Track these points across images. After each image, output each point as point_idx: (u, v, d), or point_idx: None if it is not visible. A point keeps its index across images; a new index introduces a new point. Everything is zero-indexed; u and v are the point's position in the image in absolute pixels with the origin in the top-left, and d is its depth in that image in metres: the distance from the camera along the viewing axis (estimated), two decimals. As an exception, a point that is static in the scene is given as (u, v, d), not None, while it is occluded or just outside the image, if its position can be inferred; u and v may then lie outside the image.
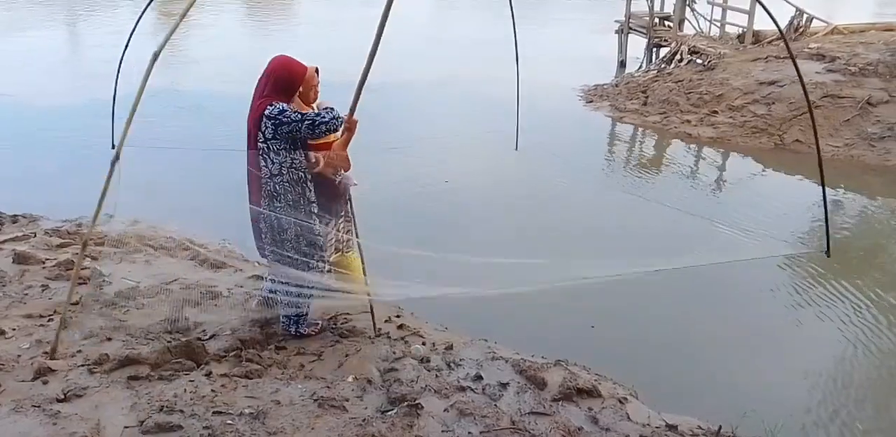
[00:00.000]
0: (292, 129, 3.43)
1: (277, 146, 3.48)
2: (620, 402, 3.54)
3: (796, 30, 11.83)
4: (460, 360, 3.91)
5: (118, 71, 4.78)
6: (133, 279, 4.64)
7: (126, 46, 4.69)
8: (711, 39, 12.50)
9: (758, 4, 11.39)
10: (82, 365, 3.45)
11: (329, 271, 4.38)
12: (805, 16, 11.87)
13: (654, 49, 13.59)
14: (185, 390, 3.19)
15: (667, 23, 13.73)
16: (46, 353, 3.51)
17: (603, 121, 10.56)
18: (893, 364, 4.65)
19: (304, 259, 3.74)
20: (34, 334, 3.80)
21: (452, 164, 8.51)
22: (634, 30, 13.99)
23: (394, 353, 3.87)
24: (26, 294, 4.39)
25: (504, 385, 3.61)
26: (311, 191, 3.70)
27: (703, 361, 4.63)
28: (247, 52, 14.26)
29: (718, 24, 12.77)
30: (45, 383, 3.26)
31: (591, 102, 11.34)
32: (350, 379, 3.54)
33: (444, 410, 3.29)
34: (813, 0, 15.46)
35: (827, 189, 7.92)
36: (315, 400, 3.23)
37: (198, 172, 7.80)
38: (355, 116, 3.63)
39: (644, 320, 5.14)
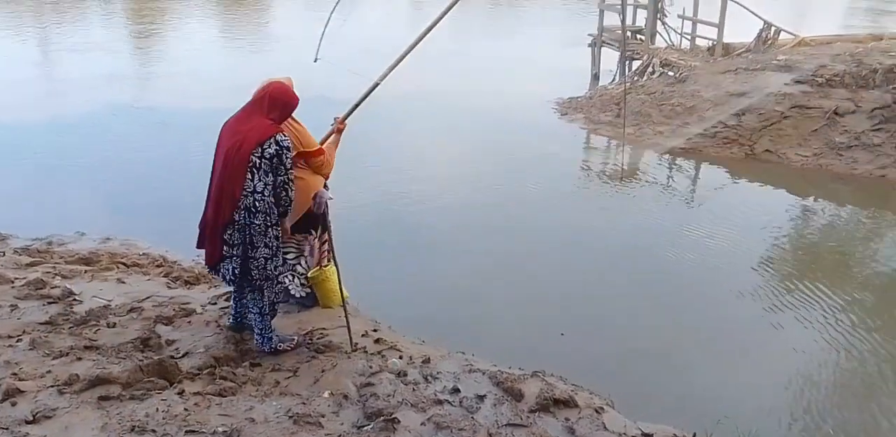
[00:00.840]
0: (277, 170, 3.56)
1: (269, 167, 3.54)
2: (597, 412, 3.54)
3: (765, 42, 12.09)
4: (437, 373, 3.89)
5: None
6: (104, 298, 4.57)
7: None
8: (682, 52, 12.73)
9: (727, 18, 11.66)
10: (52, 386, 3.38)
11: (304, 285, 4.38)
12: (773, 28, 12.14)
13: (627, 62, 13.78)
14: (158, 409, 3.14)
15: (639, 36, 13.95)
16: (15, 374, 3.44)
17: (578, 132, 10.68)
18: (864, 367, 4.73)
19: (268, 279, 3.73)
20: (3, 355, 3.72)
21: (427, 175, 8.53)
22: (607, 43, 14.20)
23: (370, 367, 3.84)
24: (-5, 314, 4.31)
25: (481, 398, 3.60)
26: (290, 210, 3.73)
27: (678, 366, 4.68)
28: (204, 67, 14.23)
29: (689, 38, 13.01)
30: (13, 404, 3.19)
31: (565, 114, 11.46)
32: (326, 395, 3.51)
33: (421, 424, 3.27)
34: (781, 13, 15.89)
35: (798, 198, 8.13)
36: (290, 417, 3.19)
37: (171, 187, 7.76)
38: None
39: (618, 327, 5.20)
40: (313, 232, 4.23)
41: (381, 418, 3.23)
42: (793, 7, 21.94)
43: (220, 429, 3.00)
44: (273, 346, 3.93)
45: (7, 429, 2.98)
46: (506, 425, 3.33)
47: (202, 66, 14.47)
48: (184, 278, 5.15)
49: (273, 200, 3.61)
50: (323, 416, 3.27)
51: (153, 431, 2.95)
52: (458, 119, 10.98)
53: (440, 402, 3.51)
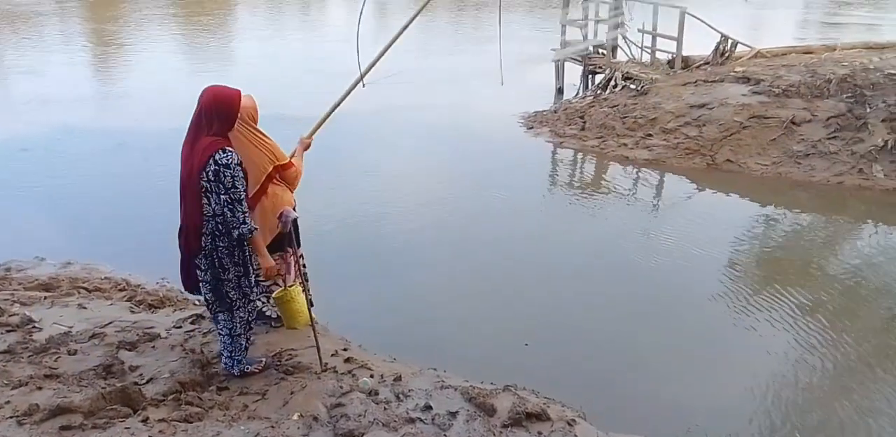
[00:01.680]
0: (217, 188, 3.39)
1: (217, 188, 3.41)
2: (569, 424, 3.55)
3: (722, 54, 12.39)
4: (409, 391, 3.86)
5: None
6: (65, 324, 4.46)
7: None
8: (643, 65, 12.97)
9: (685, 31, 11.94)
10: (11, 417, 3.28)
11: (271, 305, 4.33)
12: (730, 41, 12.45)
13: (590, 76, 14.00)
14: (121, 438, 3.06)
15: (601, 50, 14.20)
16: (-29, 406, 3.33)
17: (544, 146, 10.79)
18: (832, 369, 4.81)
19: (245, 298, 3.67)
20: (-42, 387, 3.60)
21: (391, 192, 8.53)
22: (570, 58, 14.42)
23: (341, 388, 3.80)
24: (-51, 344, 4.17)
25: (453, 414, 3.58)
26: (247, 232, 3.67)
27: (648, 375, 4.71)
28: (161, 86, 14.10)
29: (649, 51, 13.28)
30: (-32, 438, 3.09)
31: (531, 127, 11.57)
32: (295, 417, 3.46)
33: (393, 443, 3.24)
34: (737, 26, 16.31)
35: (758, 206, 8.28)
36: (258, 441, 3.14)
37: (132, 209, 7.64)
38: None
39: (588, 337, 5.22)
40: (289, 250, 4.19)
41: (352, 438, 3.19)
42: (748, 20, 22.57)
43: (186, 457, 2.94)
44: (241, 369, 3.86)
45: (-37, 464, 2.88)
46: (478, 441, 3.32)
47: (159, 85, 14.32)
48: (147, 302, 5.05)
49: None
50: (292, 439, 3.21)
51: (116, 461, 2.87)
52: (423, 134, 11.02)
53: (412, 420, 3.49)
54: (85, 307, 4.87)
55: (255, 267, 3.75)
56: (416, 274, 6.32)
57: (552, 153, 10.62)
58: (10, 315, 4.55)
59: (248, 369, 3.89)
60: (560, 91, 14.33)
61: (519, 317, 5.52)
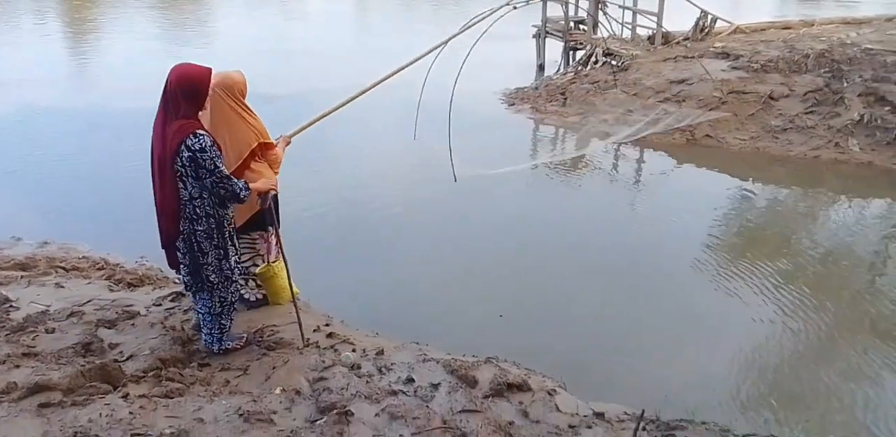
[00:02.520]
0: (199, 174, 3.33)
1: (194, 172, 3.35)
2: (549, 394, 3.59)
3: (702, 30, 12.38)
4: (391, 364, 3.88)
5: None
6: (42, 303, 4.41)
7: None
8: (624, 42, 12.94)
9: (665, 7, 11.89)
10: (-11, 395, 3.25)
11: (259, 286, 4.31)
12: (710, 17, 12.44)
13: (571, 52, 13.94)
14: (101, 414, 3.04)
15: (581, 26, 14.12)
16: (-52, 385, 3.29)
17: (525, 123, 10.76)
18: (806, 340, 4.91)
19: (227, 280, 3.65)
20: (-66, 367, 3.56)
21: (371, 170, 8.48)
22: (551, 34, 14.33)
23: (323, 362, 3.80)
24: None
25: (435, 386, 3.60)
26: (234, 210, 3.64)
27: (628, 346, 4.79)
28: (131, 66, 13.82)
29: (630, 27, 13.23)
30: (-53, 417, 3.06)
31: (512, 104, 11.54)
32: (278, 391, 3.46)
33: (375, 415, 3.26)
34: (716, 2, 16.27)
35: (737, 180, 8.35)
36: (240, 415, 3.14)
37: (107, 189, 7.53)
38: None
39: (569, 310, 5.28)
40: (270, 229, 4.17)
41: (335, 411, 3.20)
42: (728, -4, 22.54)
43: (168, 431, 2.94)
44: (222, 346, 3.85)
45: (-58, 443, 2.85)
46: (460, 411, 3.35)
47: (129, 64, 14.03)
48: (127, 281, 5.01)
49: (217, 202, 3.49)
50: (275, 413, 3.22)
51: (97, 436, 2.86)
52: (403, 112, 10.92)
53: (394, 392, 3.51)
54: (63, 286, 4.81)
55: (235, 249, 3.72)
56: (399, 252, 6.32)
57: (533, 130, 10.61)
58: (-15, 296, 4.49)
59: (229, 345, 3.87)
60: (541, 68, 14.28)
61: (500, 290, 5.56)
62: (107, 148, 9.00)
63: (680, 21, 12.53)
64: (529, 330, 4.95)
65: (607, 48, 12.47)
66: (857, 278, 5.98)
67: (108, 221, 6.68)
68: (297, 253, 4.58)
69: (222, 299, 3.70)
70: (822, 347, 4.84)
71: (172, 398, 3.29)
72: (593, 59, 12.61)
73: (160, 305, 4.46)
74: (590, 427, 3.27)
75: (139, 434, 2.90)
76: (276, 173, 4.10)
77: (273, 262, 4.22)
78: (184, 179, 3.38)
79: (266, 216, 4.04)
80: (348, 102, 4.68)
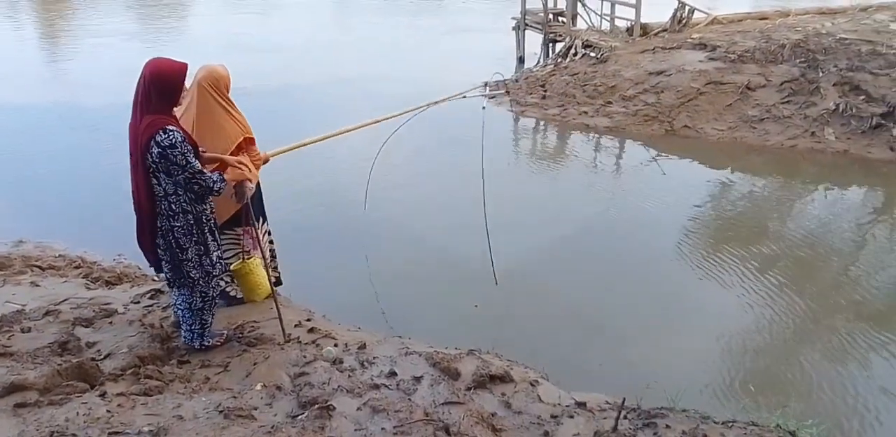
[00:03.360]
0: (170, 170, 3.28)
1: (165, 169, 3.30)
2: (532, 385, 3.60)
3: (680, 21, 12.44)
4: (374, 358, 3.87)
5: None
6: (18, 302, 4.34)
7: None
8: (603, 33, 12.96)
9: (642, -2, 11.92)
10: (-38, 397, 3.19)
11: (235, 284, 4.27)
12: (687, 8, 12.49)
13: (550, 44, 13.95)
14: (78, 413, 3.00)
15: (560, 18, 14.12)
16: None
17: (505, 115, 10.76)
18: (786, 326, 4.97)
19: (208, 276, 3.61)
20: None
21: (351, 161, 8.42)
22: (531, 26, 14.32)
23: (304, 357, 3.78)
24: None
25: (418, 379, 3.60)
26: (212, 206, 3.59)
27: (609, 335, 4.81)
28: (106, 62, 13.62)
29: (608, 19, 13.26)
30: (-81, 419, 3.00)
31: (493, 97, 11.51)
32: (258, 387, 3.44)
33: (357, 409, 3.24)
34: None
35: (715, 170, 8.40)
36: (220, 412, 3.11)
37: (82, 186, 7.43)
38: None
39: (550, 300, 5.29)
40: (255, 224, 4.13)
41: (316, 406, 3.18)
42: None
43: (146, 429, 2.90)
44: (202, 342, 3.81)
45: (-86, 445, 2.80)
46: (443, 403, 3.34)
47: (103, 59, 13.82)
48: (104, 279, 4.95)
49: (193, 198, 3.45)
50: (255, 408, 3.20)
51: (74, 435, 2.82)
52: (383, 104, 10.86)
53: (377, 386, 3.49)
54: (38, 285, 4.74)
55: (217, 244, 3.68)
56: (377, 244, 6.30)
57: (514, 122, 10.60)
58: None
59: (209, 342, 3.84)
60: (521, 60, 14.27)
61: (480, 281, 5.55)
62: (82, 144, 8.87)
63: (658, 12, 12.57)
64: (512, 323, 4.96)
65: (587, 40, 12.49)
66: (835, 263, 6.06)
67: (85, 219, 6.58)
68: (278, 247, 4.55)
69: (203, 295, 3.67)
70: (802, 331, 4.90)
71: (151, 395, 3.25)
72: (573, 51, 12.63)
73: (138, 302, 4.41)
74: (571, 417, 3.28)
75: (117, 433, 2.87)
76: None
77: (248, 259, 4.17)
78: (156, 175, 3.33)
79: (244, 212, 4.01)
80: (328, 137, 5.04)
